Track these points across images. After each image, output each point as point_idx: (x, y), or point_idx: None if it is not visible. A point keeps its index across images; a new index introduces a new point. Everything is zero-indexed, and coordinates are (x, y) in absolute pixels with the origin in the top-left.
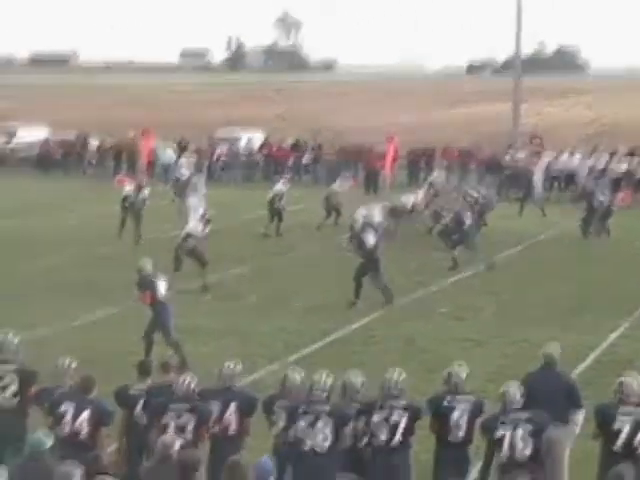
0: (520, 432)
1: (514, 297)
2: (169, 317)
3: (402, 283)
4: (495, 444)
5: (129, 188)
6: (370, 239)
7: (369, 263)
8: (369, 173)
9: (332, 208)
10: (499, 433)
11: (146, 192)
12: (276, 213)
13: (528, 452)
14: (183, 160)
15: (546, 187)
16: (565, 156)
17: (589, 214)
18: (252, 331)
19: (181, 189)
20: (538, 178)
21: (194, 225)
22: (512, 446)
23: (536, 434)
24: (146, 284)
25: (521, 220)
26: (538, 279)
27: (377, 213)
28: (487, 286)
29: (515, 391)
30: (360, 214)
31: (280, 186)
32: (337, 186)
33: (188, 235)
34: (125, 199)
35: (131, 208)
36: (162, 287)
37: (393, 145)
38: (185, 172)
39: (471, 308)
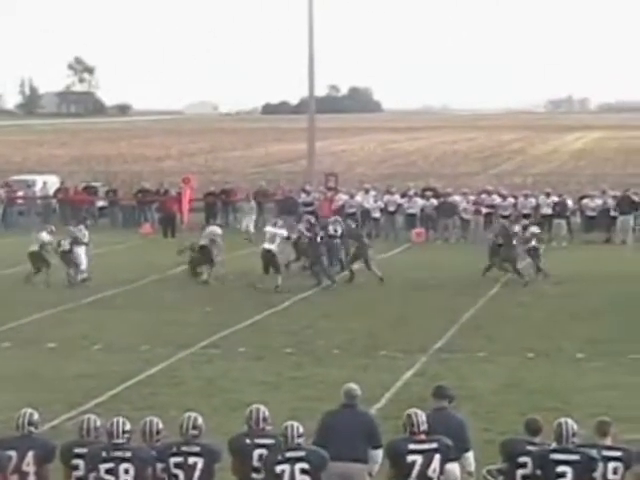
0: (297, 470)
1: (312, 336)
2: None
3: (201, 326)
4: None
5: None
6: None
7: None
8: (165, 216)
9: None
10: (278, 469)
11: None
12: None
13: None
14: None
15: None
16: (360, 195)
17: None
18: (51, 377)
19: None
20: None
21: None
22: None
23: (312, 472)
24: None
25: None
26: (336, 317)
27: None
28: (285, 325)
29: (294, 429)
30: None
31: (45, 235)
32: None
33: None
34: None
35: None
36: None
37: (189, 186)
38: None
39: (269, 348)
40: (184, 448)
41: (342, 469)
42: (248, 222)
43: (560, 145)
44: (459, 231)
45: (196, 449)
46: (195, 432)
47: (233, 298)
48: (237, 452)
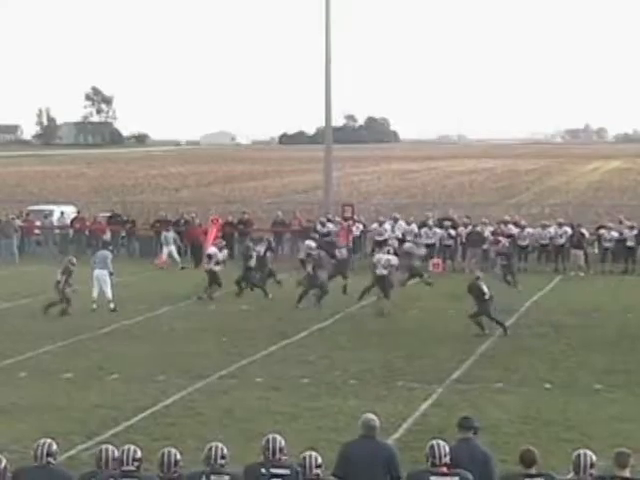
0: None
1: (328, 366)
2: None
3: (218, 356)
4: None
5: None
6: None
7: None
8: (193, 246)
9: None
10: None
11: None
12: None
13: None
14: None
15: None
16: (387, 224)
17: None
18: (67, 407)
19: None
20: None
21: None
22: None
23: None
24: None
25: (335, 290)
26: (352, 348)
27: None
28: (301, 356)
29: (312, 459)
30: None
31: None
32: None
33: None
34: None
35: None
36: None
37: (216, 226)
38: None
39: (286, 378)
40: (213, 477)
41: None
42: (171, 251)
43: (577, 175)
44: (479, 261)
45: (226, 478)
46: (223, 461)
47: (248, 328)
48: None
